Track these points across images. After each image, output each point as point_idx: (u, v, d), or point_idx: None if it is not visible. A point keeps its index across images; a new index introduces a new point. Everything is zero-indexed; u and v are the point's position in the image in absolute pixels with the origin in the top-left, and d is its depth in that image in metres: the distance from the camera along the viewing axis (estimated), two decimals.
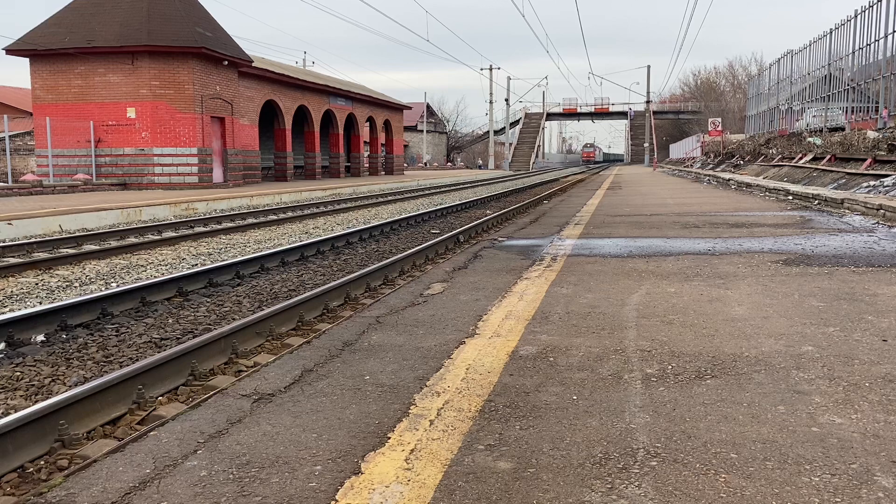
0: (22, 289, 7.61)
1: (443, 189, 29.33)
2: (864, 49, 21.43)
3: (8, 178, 24.59)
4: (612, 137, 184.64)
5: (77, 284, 7.91)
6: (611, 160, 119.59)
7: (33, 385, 4.42)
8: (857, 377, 3.35)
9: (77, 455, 3.27)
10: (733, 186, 22.52)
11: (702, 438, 2.68)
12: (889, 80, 19.52)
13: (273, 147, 33.83)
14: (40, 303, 6.88)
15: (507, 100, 78.26)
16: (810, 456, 2.51)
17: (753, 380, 3.34)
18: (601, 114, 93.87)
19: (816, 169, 19.91)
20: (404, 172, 51.46)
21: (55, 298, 7.10)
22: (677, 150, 69.70)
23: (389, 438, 2.76)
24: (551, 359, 3.76)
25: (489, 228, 13.07)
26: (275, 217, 15.80)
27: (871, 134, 18.31)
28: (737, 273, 6.25)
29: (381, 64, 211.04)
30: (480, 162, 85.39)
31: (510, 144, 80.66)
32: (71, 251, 10.15)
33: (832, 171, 18.31)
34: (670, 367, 3.57)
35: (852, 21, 22.24)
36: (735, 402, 3.06)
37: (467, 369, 3.61)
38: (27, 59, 24.44)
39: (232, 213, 17.10)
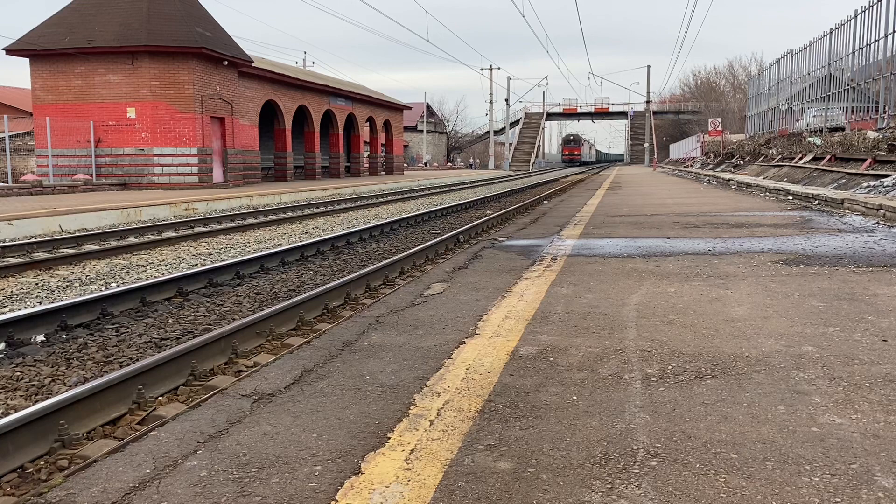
0: (22, 289, 7.61)
1: (443, 189, 29.33)
2: (864, 49, 21.44)
3: (8, 178, 24.59)
4: (612, 137, 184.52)
5: (77, 284, 7.91)
6: (609, 160, 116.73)
7: (33, 385, 4.42)
8: (857, 377, 3.35)
9: (77, 455, 3.27)
10: (733, 186, 22.52)
11: (702, 438, 2.68)
12: (889, 80, 19.52)
13: (273, 147, 33.83)
14: (40, 303, 6.88)
15: (507, 100, 78.35)
16: (810, 456, 2.51)
17: (753, 380, 3.34)
18: (601, 114, 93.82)
19: (816, 169, 19.91)
20: (404, 172, 51.46)
21: (55, 298, 7.10)
22: (677, 150, 69.71)
23: (389, 438, 2.76)
24: (551, 359, 3.76)
25: (489, 228, 13.07)
26: (275, 217, 15.80)
27: (871, 134, 18.31)
28: (737, 273, 6.25)
29: (381, 64, 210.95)
30: (471, 161, 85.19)
31: (510, 144, 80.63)
32: (71, 251, 10.15)
33: (832, 172, 18.31)
34: (670, 367, 3.57)
35: (852, 21, 22.25)
36: (735, 402, 3.06)
37: (467, 369, 3.61)
38: (27, 59, 24.44)
39: (232, 213, 17.10)
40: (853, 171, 16.86)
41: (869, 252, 7.36)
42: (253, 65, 28.30)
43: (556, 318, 4.68)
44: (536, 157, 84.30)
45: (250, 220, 15.12)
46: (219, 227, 13.80)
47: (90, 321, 5.99)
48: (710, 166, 38.98)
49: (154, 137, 24.31)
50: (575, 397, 3.17)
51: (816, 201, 13.81)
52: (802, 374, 3.42)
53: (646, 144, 72.38)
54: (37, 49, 23.80)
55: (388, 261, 8.19)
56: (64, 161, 24.51)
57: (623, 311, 4.82)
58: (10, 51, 24.05)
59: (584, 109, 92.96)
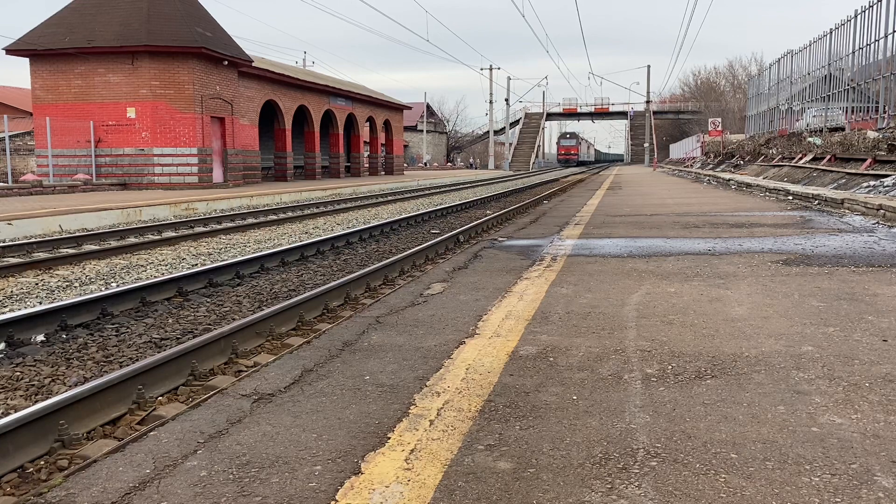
0: (22, 289, 7.61)
1: (443, 189, 29.33)
2: (864, 49, 21.44)
3: (8, 178, 24.59)
4: (612, 137, 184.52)
5: (77, 284, 7.91)
6: (609, 160, 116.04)
7: (33, 385, 4.42)
8: (857, 377, 3.35)
9: (77, 455, 3.27)
10: (733, 186, 22.52)
11: (702, 438, 2.68)
12: (889, 80, 19.52)
13: (273, 147, 33.83)
14: (40, 303, 6.87)
15: (507, 100, 78.34)
16: (810, 456, 2.51)
17: (753, 380, 3.34)
18: (601, 114, 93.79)
19: (816, 169, 19.91)
20: (404, 172, 51.45)
21: (55, 298, 7.10)
22: (677, 150, 69.72)
23: (389, 438, 2.76)
24: (551, 359, 3.76)
25: (489, 228, 13.07)
26: (275, 217, 15.80)
27: (871, 134, 18.31)
28: (737, 273, 6.25)
29: (381, 64, 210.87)
30: (471, 161, 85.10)
31: (510, 144, 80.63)
32: (71, 251, 10.15)
33: (832, 171, 18.31)
34: (670, 367, 3.57)
35: (852, 21, 22.25)
36: (735, 402, 3.06)
37: (467, 369, 3.61)
38: (27, 59, 24.44)
39: (232, 213, 17.09)
40: (853, 171, 16.86)
41: (869, 252, 7.36)
42: (253, 65, 28.30)
43: (556, 318, 4.68)
44: (536, 157, 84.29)
45: (250, 220, 15.12)
46: (219, 227, 13.80)
47: (90, 321, 5.99)
48: (710, 166, 38.98)
49: (154, 137, 24.31)
50: (575, 397, 3.17)
51: (816, 201, 13.81)
52: (802, 374, 3.42)
53: (646, 144, 72.39)
54: (37, 49, 23.80)
55: (388, 261, 8.19)
56: (64, 161, 24.50)
57: (623, 311, 4.82)
58: (10, 51, 24.05)
59: (584, 109, 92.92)
